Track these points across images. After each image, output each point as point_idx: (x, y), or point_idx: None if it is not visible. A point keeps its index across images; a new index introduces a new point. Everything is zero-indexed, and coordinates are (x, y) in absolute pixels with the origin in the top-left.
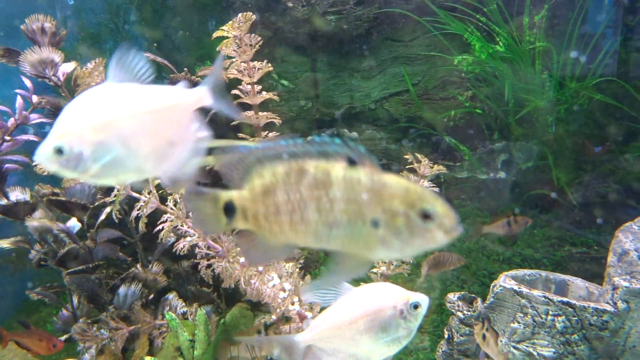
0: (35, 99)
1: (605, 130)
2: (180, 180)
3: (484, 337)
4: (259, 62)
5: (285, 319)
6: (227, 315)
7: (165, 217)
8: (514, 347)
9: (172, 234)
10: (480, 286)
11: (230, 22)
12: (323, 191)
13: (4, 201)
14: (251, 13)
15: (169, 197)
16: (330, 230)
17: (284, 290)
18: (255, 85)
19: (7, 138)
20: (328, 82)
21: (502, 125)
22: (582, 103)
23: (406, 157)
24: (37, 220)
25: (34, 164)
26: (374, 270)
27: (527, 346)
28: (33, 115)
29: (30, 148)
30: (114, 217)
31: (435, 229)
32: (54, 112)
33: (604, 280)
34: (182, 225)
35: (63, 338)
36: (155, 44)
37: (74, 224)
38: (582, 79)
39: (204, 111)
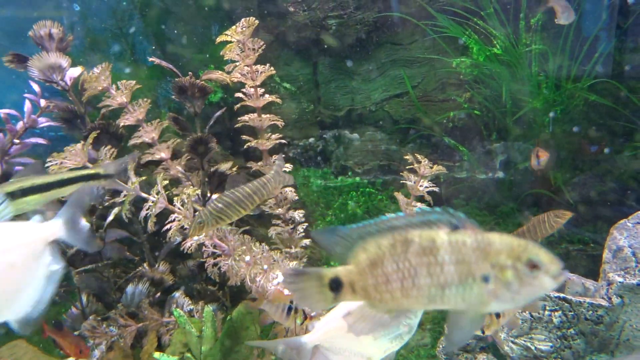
0: (43, 103)
1: (601, 130)
2: (33, 320)
3: None
4: (262, 66)
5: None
6: (234, 312)
7: (172, 216)
8: (512, 342)
9: (178, 234)
10: None
11: (234, 27)
12: (431, 257)
13: None
14: (254, 18)
15: (176, 198)
16: (442, 291)
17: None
18: (258, 88)
19: (16, 141)
20: (329, 85)
21: (500, 126)
22: (578, 104)
23: (406, 157)
24: None
25: (45, 166)
26: None
27: (524, 341)
28: (41, 119)
29: (38, 151)
30: (124, 217)
31: (543, 276)
32: (62, 116)
33: (600, 277)
34: (188, 225)
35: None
36: (159, 49)
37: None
38: (578, 81)
39: (212, 113)
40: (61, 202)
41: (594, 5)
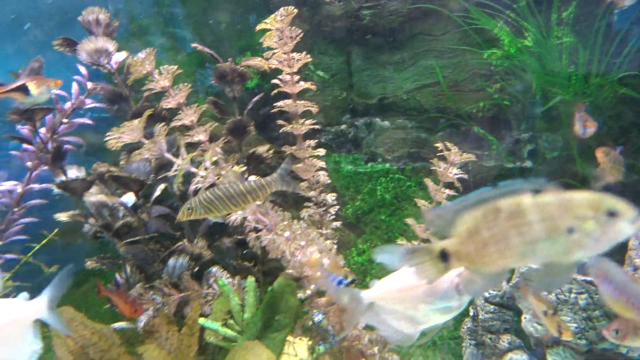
0: (89, 85)
1: (629, 123)
2: None
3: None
4: (298, 54)
5: (318, 293)
6: (275, 283)
7: None
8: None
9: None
10: None
11: (273, 16)
12: (519, 219)
13: (63, 178)
14: (292, 7)
15: (222, 174)
16: (533, 247)
17: (323, 265)
18: (294, 75)
19: (65, 121)
20: (362, 74)
21: (528, 117)
22: (607, 97)
23: (437, 145)
24: (94, 196)
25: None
26: None
27: None
28: (87, 100)
29: (84, 131)
30: (176, 189)
31: (621, 223)
32: (108, 97)
33: (625, 263)
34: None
35: None
36: (198, 36)
37: (128, 199)
38: (608, 74)
39: (248, 99)
40: None
41: None
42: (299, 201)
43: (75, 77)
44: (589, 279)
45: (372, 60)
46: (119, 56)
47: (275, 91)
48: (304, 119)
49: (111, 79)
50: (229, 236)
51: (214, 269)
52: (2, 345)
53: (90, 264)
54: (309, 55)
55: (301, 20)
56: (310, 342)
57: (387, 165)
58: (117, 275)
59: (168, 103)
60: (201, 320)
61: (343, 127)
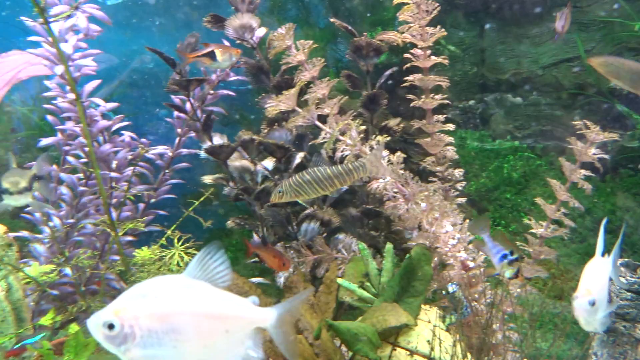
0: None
1: None
2: None
3: None
4: (432, 28)
5: (442, 265)
6: (412, 251)
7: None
8: None
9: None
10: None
11: None
12: None
13: (209, 144)
14: None
15: (366, 143)
16: None
17: (454, 238)
18: (426, 50)
19: (212, 92)
20: (495, 48)
21: None
22: None
23: (575, 123)
24: (238, 161)
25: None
26: (532, 230)
27: None
28: (231, 74)
29: (229, 101)
30: (324, 154)
31: None
32: (250, 71)
33: None
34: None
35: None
36: (332, 12)
37: (267, 164)
38: None
39: (376, 74)
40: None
41: None
42: (422, 175)
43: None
44: None
45: (508, 34)
46: (260, 32)
47: (408, 65)
48: (432, 94)
49: (251, 53)
50: (355, 206)
51: (341, 235)
52: (222, 337)
53: (229, 223)
54: (443, 29)
55: None
56: (440, 311)
57: (517, 142)
58: (254, 235)
59: (303, 76)
60: (339, 280)
61: (471, 102)
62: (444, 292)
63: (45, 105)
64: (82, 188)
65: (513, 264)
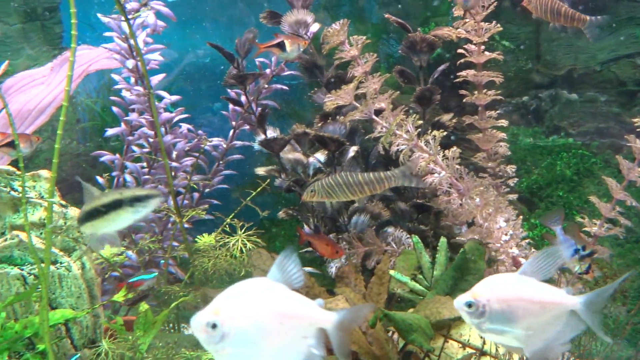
0: None
1: None
2: None
3: None
4: (487, 23)
5: (492, 261)
6: (466, 245)
7: (417, 154)
8: None
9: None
10: None
11: None
12: None
13: (263, 137)
14: None
15: (421, 138)
16: None
17: (506, 234)
18: (480, 46)
19: (266, 86)
20: (551, 43)
21: None
22: None
23: (635, 120)
24: (291, 153)
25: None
26: (587, 229)
27: None
28: (285, 68)
29: (280, 95)
30: (380, 149)
31: None
32: (305, 65)
33: None
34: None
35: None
36: (384, 7)
37: (319, 157)
38: None
39: (433, 68)
40: None
41: None
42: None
43: None
44: None
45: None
46: (314, 27)
47: (462, 60)
48: (485, 90)
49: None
50: (405, 201)
51: (390, 229)
52: (292, 340)
53: (281, 214)
54: (498, 25)
55: None
56: None
57: (571, 139)
58: (305, 226)
59: (356, 71)
60: (392, 272)
61: (525, 98)
62: None
63: (112, 98)
64: (145, 177)
65: (584, 259)
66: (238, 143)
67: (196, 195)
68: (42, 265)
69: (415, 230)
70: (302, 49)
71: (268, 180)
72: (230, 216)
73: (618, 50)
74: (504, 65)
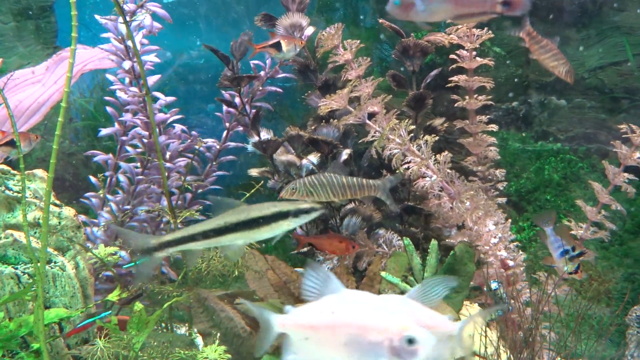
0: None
1: None
2: None
3: None
4: (479, 30)
5: (478, 263)
6: (456, 247)
7: (409, 158)
8: None
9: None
10: None
11: None
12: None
13: (257, 139)
14: None
15: (413, 142)
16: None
17: (495, 237)
18: (472, 51)
19: (260, 88)
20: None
21: None
22: None
23: (620, 127)
24: (284, 155)
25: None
26: (573, 232)
27: None
28: (279, 71)
29: (273, 97)
30: (374, 152)
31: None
32: (298, 68)
33: None
34: (424, 168)
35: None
36: (378, 12)
37: (312, 159)
38: None
39: (425, 72)
40: None
41: None
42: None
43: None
44: None
45: (553, 36)
46: (309, 31)
47: (454, 66)
48: (476, 95)
49: (302, 51)
50: (396, 203)
51: (381, 231)
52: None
53: None
54: (490, 32)
55: None
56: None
57: (559, 144)
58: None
59: (349, 75)
60: (383, 274)
61: (515, 104)
62: (486, 289)
63: (107, 98)
64: (138, 177)
65: (574, 259)
66: (231, 144)
67: (189, 195)
68: (38, 264)
69: (406, 232)
70: (298, 49)
71: (262, 182)
72: None
73: (605, 57)
74: (495, 70)
